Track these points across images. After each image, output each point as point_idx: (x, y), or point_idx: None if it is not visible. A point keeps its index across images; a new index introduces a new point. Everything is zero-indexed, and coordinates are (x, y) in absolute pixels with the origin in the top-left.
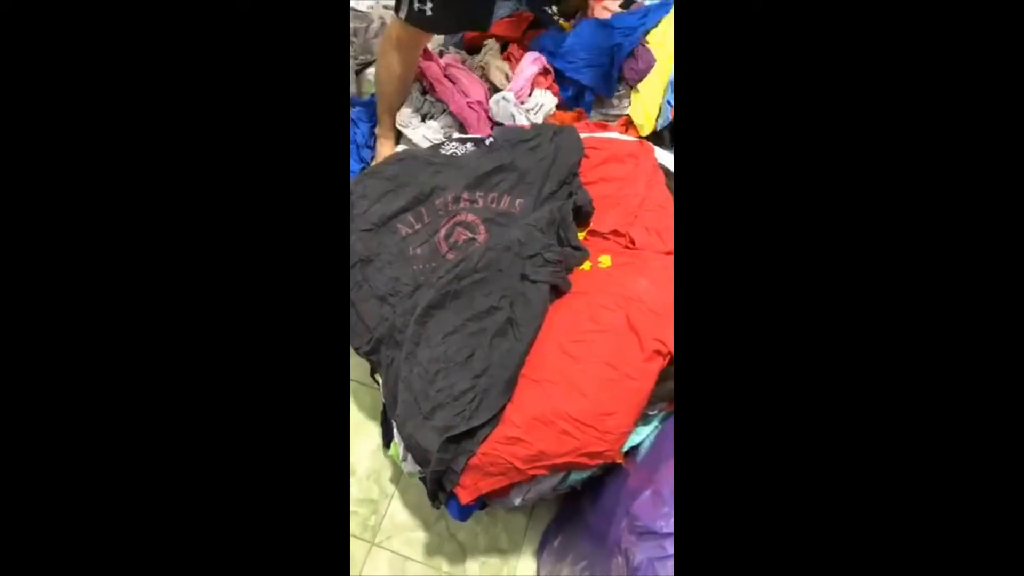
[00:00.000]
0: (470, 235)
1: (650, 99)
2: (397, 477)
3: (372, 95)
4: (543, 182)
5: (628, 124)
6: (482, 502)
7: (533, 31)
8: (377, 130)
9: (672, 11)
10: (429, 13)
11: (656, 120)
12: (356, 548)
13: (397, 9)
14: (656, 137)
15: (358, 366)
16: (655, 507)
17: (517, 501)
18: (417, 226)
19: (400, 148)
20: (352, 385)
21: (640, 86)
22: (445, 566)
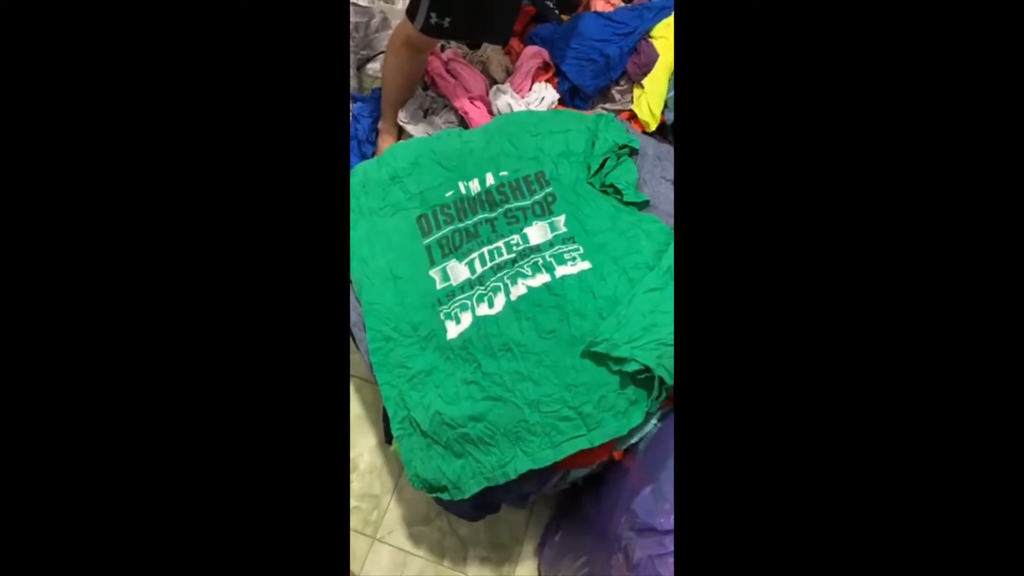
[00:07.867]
0: None
1: (654, 94)
2: (399, 472)
3: (374, 90)
4: None
5: (631, 119)
6: None
7: (535, 26)
8: (380, 125)
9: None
10: (447, 26)
11: (662, 113)
12: (358, 543)
13: (411, 16)
14: (660, 132)
15: (360, 363)
16: (655, 504)
17: None
18: None
19: None
20: (354, 381)
21: (644, 81)
22: (446, 561)
